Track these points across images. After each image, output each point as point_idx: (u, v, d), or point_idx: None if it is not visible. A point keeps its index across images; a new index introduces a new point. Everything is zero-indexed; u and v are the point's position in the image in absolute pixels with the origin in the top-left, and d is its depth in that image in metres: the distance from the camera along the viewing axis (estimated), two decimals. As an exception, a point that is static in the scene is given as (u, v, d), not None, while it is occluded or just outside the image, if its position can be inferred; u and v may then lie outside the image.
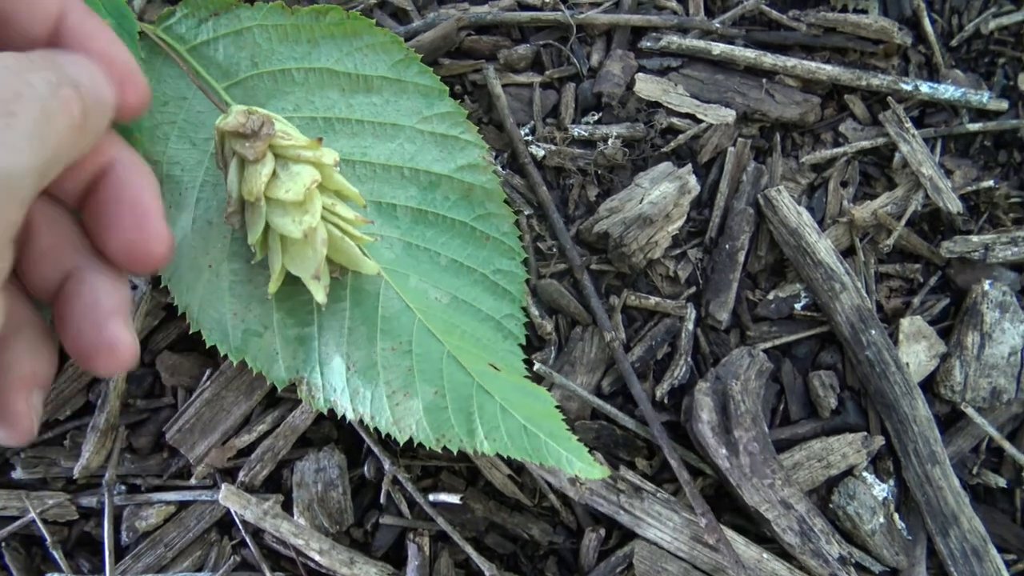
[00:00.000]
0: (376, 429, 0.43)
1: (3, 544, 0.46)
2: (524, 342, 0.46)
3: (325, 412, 0.43)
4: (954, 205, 0.53)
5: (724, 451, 0.46)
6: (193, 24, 0.43)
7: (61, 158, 0.26)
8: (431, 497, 0.46)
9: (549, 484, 0.47)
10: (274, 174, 0.37)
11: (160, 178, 0.44)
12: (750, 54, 0.54)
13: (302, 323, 0.43)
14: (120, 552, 0.46)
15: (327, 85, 0.43)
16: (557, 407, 0.42)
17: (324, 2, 0.47)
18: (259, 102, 0.42)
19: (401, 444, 0.42)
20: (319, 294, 0.38)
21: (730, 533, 0.46)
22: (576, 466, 0.40)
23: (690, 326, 0.50)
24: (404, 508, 0.47)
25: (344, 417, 0.43)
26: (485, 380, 0.42)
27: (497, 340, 0.45)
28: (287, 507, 0.46)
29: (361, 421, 0.43)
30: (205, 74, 0.43)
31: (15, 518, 0.46)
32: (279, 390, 0.47)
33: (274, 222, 0.37)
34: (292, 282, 0.41)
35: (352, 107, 0.43)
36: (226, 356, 0.47)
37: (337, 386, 0.43)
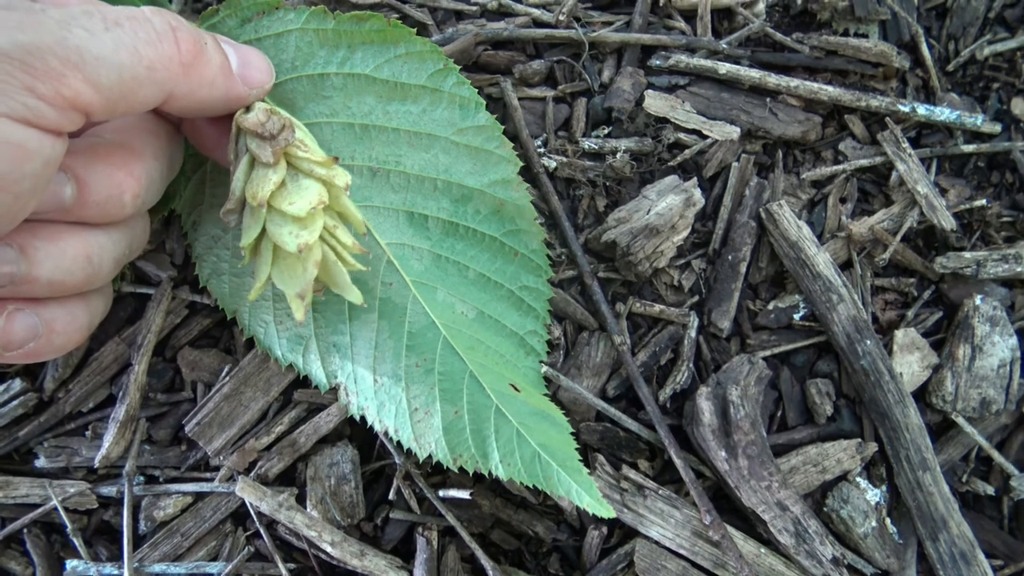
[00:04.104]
0: (399, 443, 0.44)
1: (25, 531, 0.47)
2: (546, 359, 0.47)
3: (357, 419, 0.45)
4: (948, 222, 0.55)
5: (723, 454, 0.48)
6: (236, 24, 0.42)
7: (159, 76, 0.32)
8: (440, 493, 0.48)
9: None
10: (283, 183, 0.36)
11: (204, 179, 0.46)
12: (755, 74, 0.56)
13: (336, 331, 0.44)
14: (138, 540, 0.47)
15: (364, 91, 0.43)
16: (572, 433, 0.43)
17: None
18: (297, 106, 0.42)
19: (421, 460, 0.44)
20: (298, 312, 0.37)
21: (730, 530, 0.48)
22: (585, 500, 0.40)
23: (693, 334, 0.52)
24: (414, 503, 0.49)
25: (372, 427, 0.44)
26: (504, 402, 0.43)
27: (519, 356, 0.46)
28: (300, 500, 0.48)
29: (385, 432, 0.44)
30: None
31: (37, 505, 0.47)
32: (296, 390, 0.49)
33: (271, 231, 0.36)
34: (329, 291, 0.41)
35: (389, 115, 0.43)
36: (247, 352, 0.49)
37: (367, 396, 0.44)
